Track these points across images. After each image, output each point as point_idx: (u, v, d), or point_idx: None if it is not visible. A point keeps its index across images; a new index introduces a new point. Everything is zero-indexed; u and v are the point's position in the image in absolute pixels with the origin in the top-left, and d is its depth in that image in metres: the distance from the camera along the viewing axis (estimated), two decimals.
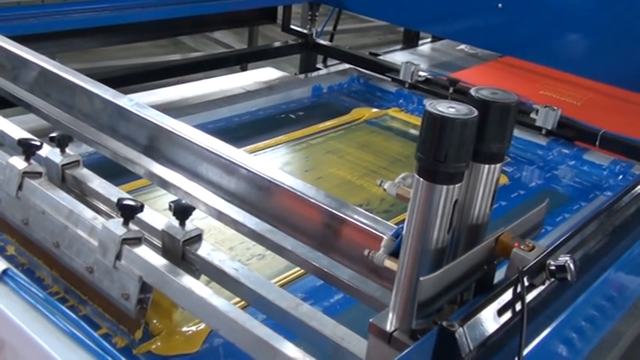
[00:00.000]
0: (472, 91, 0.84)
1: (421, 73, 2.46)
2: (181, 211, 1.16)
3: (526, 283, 0.78)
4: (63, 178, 1.37)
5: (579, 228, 0.91)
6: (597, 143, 2.08)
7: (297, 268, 1.39)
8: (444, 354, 0.69)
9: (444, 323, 0.69)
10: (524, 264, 0.80)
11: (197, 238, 1.17)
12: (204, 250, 1.17)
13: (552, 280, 0.81)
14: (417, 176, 0.80)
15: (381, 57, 2.78)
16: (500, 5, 2.27)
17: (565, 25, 2.21)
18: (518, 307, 0.77)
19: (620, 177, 2.00)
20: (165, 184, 1.28)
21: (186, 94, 2.34)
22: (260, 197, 1.12)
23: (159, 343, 1.20)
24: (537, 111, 2.14)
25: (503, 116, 0.84)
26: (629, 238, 1.05)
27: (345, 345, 0.96)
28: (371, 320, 0.85)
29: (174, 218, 1.17)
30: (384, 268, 0.89)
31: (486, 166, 0.86)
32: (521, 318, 0.75)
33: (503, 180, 1.93)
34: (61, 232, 1.24)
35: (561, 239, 0.87)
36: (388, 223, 0.94)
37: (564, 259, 0.80)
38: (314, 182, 1.84)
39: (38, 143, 1.35)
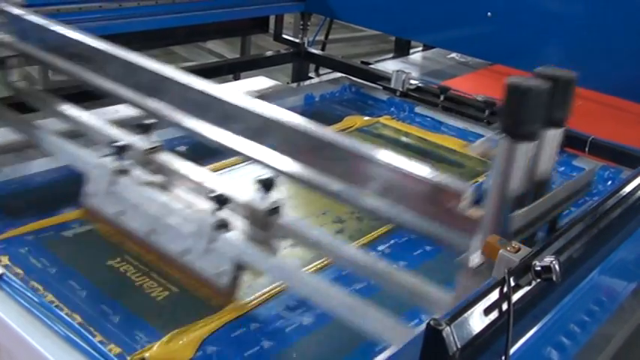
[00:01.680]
0: (540, 70, 1.06)
1: (412, 82, 2.48)
2: (265, 185, 1.30)
3: (512, 284, 0.80)
4: (148, 163, 1.51)
5: (564, 230, 0.93)
6: (586, 149, 2.10)
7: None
8: (432, 353, 0.71)
9: (432, 323, 0.71)
10: (511, 265, 0.82)
11: (278, 209, 1.32)
12: (286, 220, 1.33)
13: (538, 280, 0.83)
14: (502, 136, 1.00)
15: (372, 66, 2.80)
16: (489, 14, 2.30)
17: (553, 34, 2.23)
18: (504, 307, 0.78)
19: (609, 182, 2.02)
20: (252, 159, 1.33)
21: None
22: (348, 167, 1.18)
23: (154, 350, 1.21)
24: None
25: (567, 88, 1.07)
26: (615, 240, 1.07)
27: (420, 290, 1.16)
28: (457, 258, 1.03)
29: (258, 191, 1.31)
30: (467, 216, 1.03)
31: (552, 130, 1.07)
32: (508, 318, 0.77)
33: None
34: (155, 222, 1.41)
35: (547, 241, 0.89)
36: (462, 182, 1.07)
37: (549, 259, 0.82)
38: (306, 191, 1.86)
39: (126, 142, 1.50)
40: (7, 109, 1.89)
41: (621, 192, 1.11)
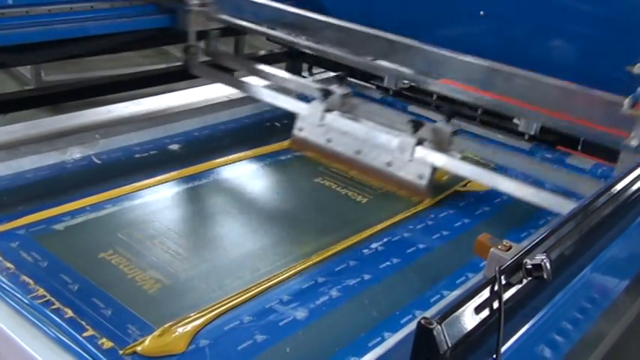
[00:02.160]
0: None
1: (405, 81, 2.47)
2: (448, 114, 1.91)
3: (503, 282, 0.80)
4: (343, 105, 2.07)
5: (555, 228, 0.92)
6: (579, 148, 2.11)
7: (280, 271, 1.46)
8: (423, 351, 0.70)
9: (423, 321, 0.70)
10: (502, 263, 0.82)
11: (457, 132, 1.89)
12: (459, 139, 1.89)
13: (529, 278, 0.83)
14: None
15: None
16: (482, 13, 2.30)
17: (546, 32, 2.23)
18: (495, 305, 0.78)
19: (602, 180, 2.02)
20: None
21: (171, 103, 2.35)
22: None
23: (146, 343, 1.21)
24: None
25: None
26: (607, 237, 1.07)
27: None
28: (623, 142, 1.57)
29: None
30: (626, 116, 1.56)
31: None
32: (499, 316, 0.77)
33: (487, 186, 1.96)
34: (362, 143, 1.94)
35: (537, 239, 0.88)
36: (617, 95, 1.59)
37: (540, 258, 0.82)
38: (300, 192, 1.87)
39: (329, 88, 2.09)
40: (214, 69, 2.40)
41: (612, 190, 1.10)
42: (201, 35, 2.42)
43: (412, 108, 2.43)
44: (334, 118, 2.00)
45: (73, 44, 2.12)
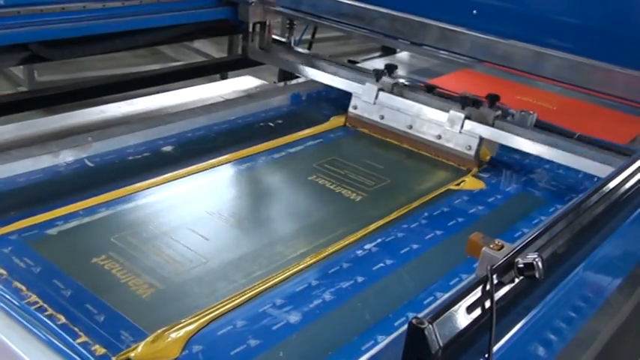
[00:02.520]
0: None
1: (399, 80, 2.47)
2: (491, 99, 2.06)
3: (495, 281, 0.80)
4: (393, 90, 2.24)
5: (547, 227, 0.92)
6: None
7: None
8: (415, 351, 0.70)
9: (414, 321, 0.70)
10: (494, 262, 0.82)
11: (504, 114, 2.07)
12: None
13: (521, 277, 0.83)
14: None
15: (359, 64, 2.79)
16: (474, 12, 2.30)
17: (538, 31, 2.24)
18: (487, 304, 0.78)
19: (595, 179, 2.02)
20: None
21: (165, 104, 2.34)
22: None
23: (139, 350, 1.20)
24: (513, 115, 2.17)
25: None
26: (599, 236, 1.07)
27: None
28: None
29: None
30: None
31: None
32: (491, 315, 0.77)
33: (480, 185, 1.96)
34: (414, 118, 2.14)
35: (529, 238, 0.88)
36: None
37: (532, 257, 0.82)
38: (293, 191, 1.86)
39: (382, 69, 2.27)
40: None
41: (604, 188, 1.11)
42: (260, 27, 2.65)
43: None
44: (387, 96, 2.20)
45: (140, 35, 2.38)
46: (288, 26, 2.83)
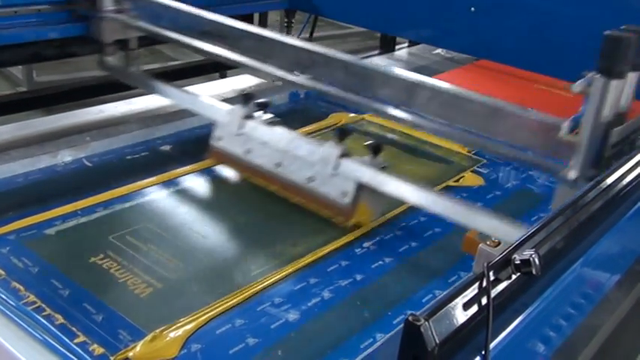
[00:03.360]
0: (626, 26, 1.28)
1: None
2: (374, 149, 1.60)
3: (492, 278, 0.79)
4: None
5: (544, 223, 0.92)
6: None
7: (273, 273, 1.45)
8: (411, 348, 0.70)
9: (410, 318, 0.70)
10: (490, 259, 0.81)
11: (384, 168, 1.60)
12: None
13: (518, 274, 0.82)
14: (599, 75, 1.26)
15: None
16: (472, 9, 2.30)
17: (537, 27, 2.23)
18: (484, 301, 0.78)
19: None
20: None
21: (163, 103, 2.34)
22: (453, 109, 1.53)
23: (137, 349, 1.20)
24: None
25: None
26: (598, 231, 1.07)
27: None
28: (559, 172, 1.35)
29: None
30: (566, 141, 1.35)
31: (633, 73, 1.31)
32: (487, 312, 0.77)
33: (479, 181, 1.96)
34: (282, 155, 1.67)
35: (526, 235, 0.88)
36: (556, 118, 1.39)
37: (529, 253, 0.82)
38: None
39: (252, 91, 1.88)
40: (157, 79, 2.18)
41: (602, 184, 1.10)
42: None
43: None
44: (255, 126, 1.74)
45: None
46: (286, 24, 2.84)
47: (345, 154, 1.60)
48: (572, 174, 1.33)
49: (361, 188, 1.57)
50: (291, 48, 1.78)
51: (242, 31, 1.87)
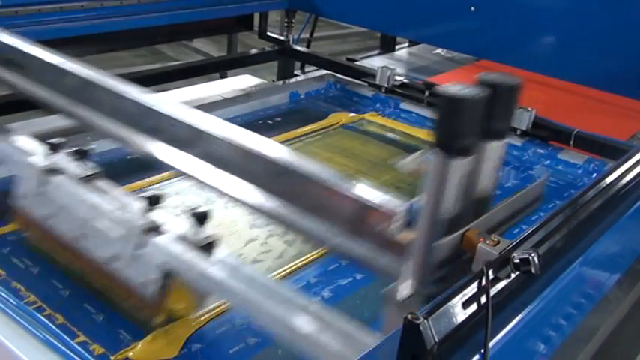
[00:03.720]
0: (482, 75, 0.95)
1: (397, 78, 2.47)
2: (199, 218, 1.18)
3: (491, 277, 0.80)
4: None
5: (544, 222, 0.92)
6: (571, 142, 2.11)
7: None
8: (410, 347, 0.70)
9: (409, 316, 0.70)
10: (489, 258, 0.82)
11: (214, 243, 1.18)
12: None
13: (517, 273, 0.83)
14: (433, 151, 0.89)
15: (357, 62, 2.79)
16: (472, 9, 2.30)
17: (537, 27, 2.23)
18: (483, 300, 0.78)
19: (594, 175, 2.02)
20: (186, 174, 1.25)
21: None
22: (275, 180, 1.10)
23: (137, 348, 1.20)
24: None
25: (510, 96, 0.95)
26: (597, 231, 1.07)
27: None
28: (384, 290, 0.93)
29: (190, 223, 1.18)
30: (398, 240, 0.93)
31: (494, 142, 0.96)
32: (487, 311, 0.77)
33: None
34: (83, 226, 1.28)
35: (526, 233, 0.89)
36: (399, 200, 0.96)
37: (528, 252, 0.82)
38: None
39: (59, 142, 1.39)
40: None
41: (602, 183, 1.11)
42: None
43: (405, 105, 2.43)
44: (60, 183, 1.33)
45: None
46: (286, 25, 2.84)
47: (153, 228, 1.20)
48: (402, 290, 0.91)
49: (171, 275, 1.18)
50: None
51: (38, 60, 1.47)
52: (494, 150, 0.96)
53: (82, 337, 1.21)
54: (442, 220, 0.90)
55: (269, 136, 2.07)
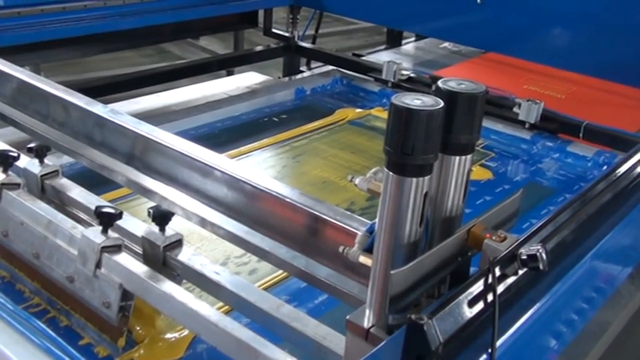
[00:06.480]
0: (439, 83, 0.84)
1: (404, 72, 2.45)
2: (161, 217, 1.16)
3: (498, 274, 0.77)
4: (42, 189, 1.36)
5: (551, 217, 0.90)
6: (581, 135, 2.08)
7: (280, 271, 1.39)
8: (414, 348, 0.69)
9: (413, 317, 0.68)
10: (496, 254, 0.79)
11: (177, 243, 1.18)
12: (184, 256, 1.16)
13: (525, 269, 0.80)
14: (386, 170, 0.79)
15: (363, 57, 2.77)
16: (478, 1, 2.27)
17: (545, 19, 2.21)
18: (490, 298, 0.76)
19: (605, 167, 1.99)
20: (144, 191, 1.26)
21: (168, 102, 2.34)
22: (238, 200, 1.11)
23: (142, 351, 1.19)
24: (520, 105, 2.14)
25: (471, 107, 0.83)
26: (607, 224, 1.05)
27: (326, 344, 0.95)
28: (348, 317, 0.84)
29: (154, 224, 1.17)
30: (360, 264, 0.87)
31: (457, 157, 0.85)
32: (494, 309, 0.75)
33: (487, 175, 1.93)
34: (41, 243, 1.23)
35: (533, 229, 0.86)
36: (363, 219, 0.93)
37: (536, 248, 0.80)
38: (298, 184, 1.85)
39: (15, 154, 1.34)
40: None
41: (612, 175, 1.08)
42: None
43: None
44: (12, 200, 1.28)
45: None
46: (291, 21, 2.82)
47: (112, 246, 1.13)
48: (365, 320, 0.83)
49: (130, 296, 1.13)
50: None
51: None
52: (458, 166, 0.85)
53: (86, 340, 1.20)
54: (401, 245, 0.80)
55: (275, 133, 2.10)
